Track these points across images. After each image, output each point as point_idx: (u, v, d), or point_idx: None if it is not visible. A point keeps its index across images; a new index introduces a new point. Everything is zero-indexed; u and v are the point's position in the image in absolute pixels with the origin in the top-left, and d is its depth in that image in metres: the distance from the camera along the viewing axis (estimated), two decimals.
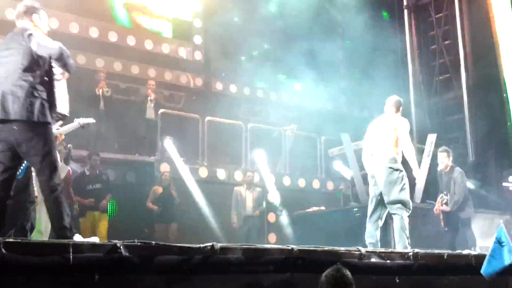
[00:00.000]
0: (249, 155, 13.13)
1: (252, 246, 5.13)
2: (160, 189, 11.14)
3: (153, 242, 4.43)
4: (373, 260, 5.65)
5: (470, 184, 11.89)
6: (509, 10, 14.71)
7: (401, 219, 7.39)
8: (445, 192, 9.64)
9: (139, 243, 4.34)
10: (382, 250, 6.06)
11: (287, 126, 14.20)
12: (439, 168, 9.99)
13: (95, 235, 9.27)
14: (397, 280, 5.72)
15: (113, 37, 13.94)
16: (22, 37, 5.02)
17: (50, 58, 5.04)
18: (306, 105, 16.56)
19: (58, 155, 5.37)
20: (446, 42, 15.36)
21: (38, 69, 4.97)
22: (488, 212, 11.59)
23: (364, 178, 11.76)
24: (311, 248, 5.43)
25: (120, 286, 4.20)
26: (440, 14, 15.46)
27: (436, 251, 6.70)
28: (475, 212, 10.16)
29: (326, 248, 5.54)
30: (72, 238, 4.79)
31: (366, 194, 11.52)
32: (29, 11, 5.21)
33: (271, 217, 12.53)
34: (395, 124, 7.69)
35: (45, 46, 4.99)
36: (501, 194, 12.58)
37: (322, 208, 12.10)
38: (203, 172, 12.34)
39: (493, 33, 14.08)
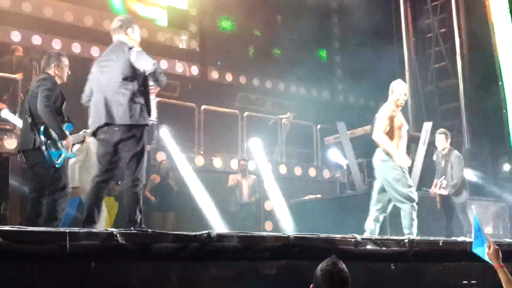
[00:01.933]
0: (245, 143, 13.14)
1: (249, 234, 5.14)
2: (158, 178, 11.12)
3: (150, 230, 4.45)
4: (368, 247, 5.68)
5: (472, 175, 11.93)
6: None
7: (405, 210, 7.37)
8: (444, 176, 9.65)
9: (135, 231, 4.35)
10: (378, 237, 6.09)
11: (283, 114, 14.20)
12: (436, 151, 9.99)
13: (110, 221, 9.12)
14: (393, 267, 5.75)
15: (108, 25, 13.84)
16: (122, 50, 5.52)
17: (144, 72, 5.46)
18: (302, 94, 16.57)
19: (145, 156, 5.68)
20: (442, 30, 15.33)
21: (136, 79, 5.44)
22: (483, 200, 11.64)
23: (360, 166, 11.82)
24: (307, 236, 5.46)
25: (117, 274, 4.21)
26: (436, 2, 15.42)
27: (431, 238, 6.73)
28: (470, 199, 10.19)
29: (322, 235, 5.56)
30: (140, 226, 5.21)
31: (362, 182, 11.61)
32: (125, 26, 5.69)
33: (268, 205, 12.55)
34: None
35: (142, 62, 5.42)
36: (496, 182, 12.62)
37: (318, 196, 12.13)
38: (199, 161, 12.34)
39: (488, 21, 14.08)
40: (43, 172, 6.09)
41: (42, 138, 5.99)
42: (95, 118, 5.53)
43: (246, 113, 13.53)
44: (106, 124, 5.43)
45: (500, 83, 13.77)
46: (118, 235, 4.16)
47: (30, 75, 11.30)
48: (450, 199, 9.61)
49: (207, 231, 4.62)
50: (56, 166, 6.02)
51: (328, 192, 12.88)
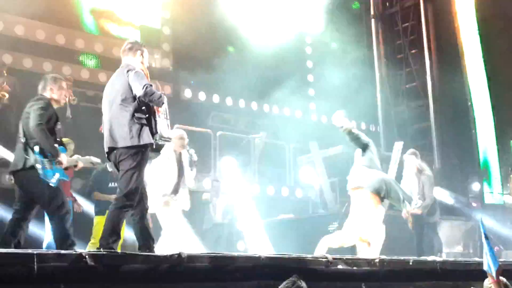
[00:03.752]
0: (218, 163, 13.11)
1: (219, 254, 5.13)
2: None
3: (119, 251, 4.40)
4: (340, 267, 5.70)
5: (442, 195, 12.03)
6: (473, 20, 15.00)
7: None
8: (418, 196, 9.70)
9: (104, 252, 4.31)
10: (349, 257, 6.11)
11: (256, 134, 14.23)
12: (407, 172, 10.05)
13: None
14: (364, 287, 5.78)
15: (80, 44, 13.82)
16: (123, 72, 5.62)
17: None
18: (275, 113, 16.63)
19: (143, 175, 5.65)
20: (413, 51, 15.57)
21: (135, 99, 5.47)
22: (453, 219, 11.76)
23: (333, 185, 11.88)
24: (278, 256, 5.46)
25: None
26: (407, 24, 15.68)
27: (402, 257, 6.77)
28: (441, 218, 10.29)
29: (293, 255, 5.57)
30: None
31: (334, 201, 11.66)
32: (134, 48, 5.82)
33: (240, 225, 12.51)
34: None
35: (134, 85, 5.45)
36: (466, 201, 12.77)
37: (291, 215, 12.14)
38: None
39: (458, 42, 14.35)
40: (37, 191, 5.94)
41: (37, 157, 5.88)
42: (104, 143, 5.65)
43: (219, 133, 13.52)
44: (110, 149, 5.55)
45: (469, 103, 14.00)
46: (87, 257, 4.12)
47: None
48: (422, 219, 9.67)
49: (177, 252, 4.60)
50: (51, 185, 5.89)
51: (301, 211, 12.88)
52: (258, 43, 15.35)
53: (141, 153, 5.49)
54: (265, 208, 12.58)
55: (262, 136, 14.16)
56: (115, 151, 5.53)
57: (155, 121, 5.63)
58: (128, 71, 5.59)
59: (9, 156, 10.15)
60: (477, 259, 8.07)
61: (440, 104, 14.34)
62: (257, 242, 11.62)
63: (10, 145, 10.39)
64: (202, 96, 15.37)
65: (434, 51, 14.66)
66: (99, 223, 8.86)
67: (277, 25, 15.20)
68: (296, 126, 15.29)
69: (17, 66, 12.50)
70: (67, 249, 5.23)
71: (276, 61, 15.69)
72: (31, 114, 6.03)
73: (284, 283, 3.46)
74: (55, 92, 6.38)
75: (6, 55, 12.46)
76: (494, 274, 3.90)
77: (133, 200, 5.47)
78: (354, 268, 5.85)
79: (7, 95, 11.34)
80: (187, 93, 15.16)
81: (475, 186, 13.98)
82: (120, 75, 5.69)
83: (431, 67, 14.55)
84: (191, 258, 4.71)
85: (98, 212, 9.11)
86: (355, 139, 7.68)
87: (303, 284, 3.45)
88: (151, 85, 5.52)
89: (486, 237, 4.17)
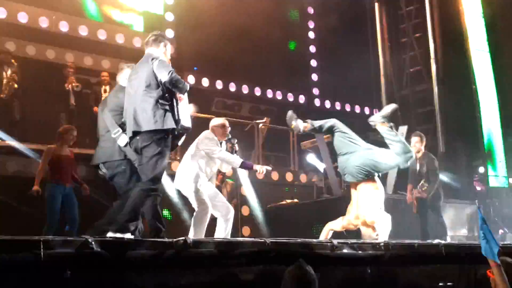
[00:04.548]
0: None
1: (225, 239, 5.15)
2: None
3: (125, 237, 4.42)
4: (345, 251, 5.71)
5: (447, 178, 12.04)
6: (478, 2, 14.91)
7: None
8: (424, 179, 9.67)
9: (110, 238, 4.32)
10: (354, 241, 6.12)
11: (259, 119, 14.21)
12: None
13: None
14: (369, 271, 5.79)
15: (83, 31, 13.80)
16: (147, 61, 5.77)
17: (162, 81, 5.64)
18: (278, 99, 16.60)
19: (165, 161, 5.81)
20: (417, 35, 15.49)
21: (159, 86, 5.63)
22: (457, 202, 11.76)
23: (337, 170, 11.87)
24: (284, 241, 5.47)
25: (93, 282, 4.19)
26: (411, 7, 15.59)
27: (407, 241, 6.79)
28: (445, 202, 10.29)
29: (299, 240, 5.58)
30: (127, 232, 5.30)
31: (339, 186, 11.65)
32: (158, 40, 6.02)
33: (245, 210, 12.54)
34: None
35: (159, 72, 5.61)
36: (471, 185, 12.77)
37: (295, 200, 12.15)
38: (175, 166, 12.28)
39: (462, 25, 14.27)
40: (122, 182, 6.14)
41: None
42: (127, 129, 5.78)
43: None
44: (134, 133, 5.66)
45: (473, 86, 13.95)
46: (93, 243, 4.14)
47: (1, 80, 11.20)
48: (426, 202, 9.67)
49: (183, 238, 4.61)
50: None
51: (305, 196, 12.89)
52: (261, 29, 15.29)
53: (164, 140, 5.64)
54: (269, 194, 12.58)
55: (266, 121, 14.14)
56: (138, 137, 5.64)
57: (178, 108, 5.79)
58: (152, 59, 5.74)
59: (14, 144, 10.23)
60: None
61: (444, 87, 14.29)
62: (261, 227, 11.66)
63: (13, 133, 10.46)
64: (205, 82, 15.36)
65: (438, 34, 14.58)
66: None
67: (280, 9, 15.14)
68: (299, 111, 15.25)
69: (20, 53, 12.49)
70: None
71: (279, 46, 15.66)
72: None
73: (291, 267, 3.48)
74: None
75: (10, 42, 12.45)
76: (494, 258, 3.87)
77: (158, 185, 5.67)
78: (359, 252, 5.85)
79: (16, 85, 11.38)
80: (191, 79, 15.14)
81: (480, 169, 13.96)
82: (144, 63, 5.85)
83: (435, 50, 14.48)
84: (197, 243, 4.72)
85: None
86: (320, 129, 7.55)
87: (310, 268, 3.47)
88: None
89: (485, 222, 4.14)
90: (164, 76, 5.56)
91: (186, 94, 5.98)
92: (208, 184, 7.43)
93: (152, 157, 5.58)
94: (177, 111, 5.78)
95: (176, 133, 5.80)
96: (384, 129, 7.30)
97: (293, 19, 17.41)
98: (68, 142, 8.78)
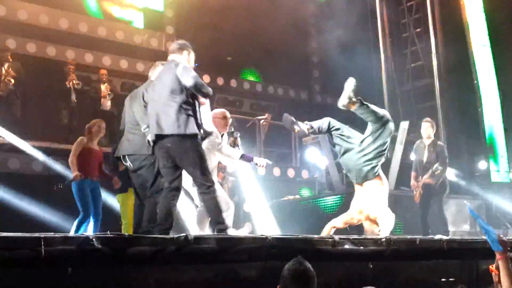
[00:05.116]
0: None
1: (226, 236, 5.14)
2: None
3: (126, 234, 4.42)
4: (346, 246, 5.70)
5: (449, 173, 12.01)
6: None
7: None
8: (438, 163, 9.50)
9: (111, 235, 4.32)
10: (355, 236, 6.11)
11: (261, 115, 14.21)
12: (417, 142, 9.98)
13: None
14: (371, 266, 5.79)
15: (83, 28, 13.79)
16: (171, 66, 5.90)
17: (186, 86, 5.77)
18: (279, 95, 16.60)
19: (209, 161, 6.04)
20: (418, 29, 15.45)
21: (183, 91, 5.74)
22: (459, 197, 11.74)
23: (338, 166, 11.86)
24: (285, 236, 5.47)
25: (94, 279, 4.19)
26: (411, 2, 15.54)
27: (408, 236, 6.78)
28: (447, 197, 10.27)
29: (300, 236, 5.58)
30: (227, 232, 5.68)
31: (340, 182, 11.65)
32: (182, 48, 6.11)
33: (246, 207, 12.54)
34: None
35: (184, 76, 5.72)
36: (473, 180, 12.74)
37: (297, 196, 12.16)
38: None
39: (463, 20, 14.23)
40: (148, 176, 6.30)
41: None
42: (150, 132, 5.91)
43: None
44: (157, 136, 5.78)
45: (475, 81, 13.92)
46: (94, 240, 4.13)
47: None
48: (430, 192, 9.54)
49: (184, 234, 4.61)
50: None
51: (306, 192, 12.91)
52: (262, 25, 15.28)
53: (193, 142, 5.77)
54: (271, 190, 12.59)
55: (267, 117, 14.14)
56: (163, 141, 5.77)
57: (200, 113, 5.92)
58: (176, 65, 5.86)
59: (15, 141, 10.24)
60: (484, 237, 8.07)
61: (446, 82, 14.25)
62: (263, 223, 11.65)
63: (15, 130, 10.48)
64: (206, 78, 15.35)
65: (439, 29, 14.54)
66: (124, 203, 8.82)
67: (281, 5, 15.10)
68: (300, 107, 15.24)
69: (21, 50, 12.50)
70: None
71: (280, 42, 15.64)
72: None
73: (291, 263, 3.47)
74: None
75: (10, 40, 12.46)
76: (499, 249, 3.80)
77: (211, 179, 5.86)
78: (361, 247, 5.84)
79: (13, 81, 11.37)
80: None
81: (482, 165, 13.94)
82: (168, 69, 5.96)
83: (436, 45, 14.45)
84: (198, 240, 4.72)
85: (119, 190, 8.96)
86: (320, 130, 7.31)
87: (309, 264, 3.47)
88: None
89: (478, 217, 4.10)
90: (188, 81, 5.69)
91: (208, 99, 6.15)
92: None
93: (191, 160, 5.77)
94: (200, 116, 5.90)
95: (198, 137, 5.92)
96: (355, 108, 7.12)
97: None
98: (97, 135, 8.72)
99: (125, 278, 4.32)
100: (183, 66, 5.82)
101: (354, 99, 6.97)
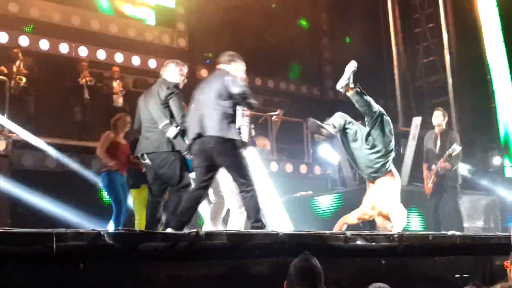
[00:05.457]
0: None
1: (238, 231, 5.14)
2: None
3: (138, 229, 4.42)
4: (358, 242, 5.68)
5: (462, 169, 11.93)
6: None
7: None
8: (455, 144, 9.22)
9: (123, 231, 4.33)
10: (367, 232, 6.08)
11: (273, 111, 14.17)
12: (429, 133, 9.83)
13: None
14: (383, 262, 5.76)
15: (95, 25, 13.84)
16: (220, 75, 6.16)
17: (234, 95, 5.99)
18: (291, 91, 16.57)
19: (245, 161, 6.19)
20: (430, 25, 15.37)
21: (229, 99, 5.97)
22: (473, 193, 11.67)
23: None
24: (296, 232, 5.45)
25: (105, 274, 4.19)
26: None
27: (421, 232, 6.74)
28: (461, 193, 10.19)
29: (312, 232, 5.56)
30: (263, 229, 5.78)
31: (353, 178, 11.62)
32: (231, 60, 6.36)
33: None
34: None
35: (232, 85, 5.96)
36: (487, 175, 12.65)
37: (310, 192, 12.12)
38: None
39: (476, 15, 14.13)
40: (171, 173, 6.39)
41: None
42: (190, 132, 6.10)
43: None
44: (199, 135, 5.96)
45: (488, 77, 13.83)
46: (105, 235, 4.14)
47: (12, 76, 11.23)
48: (443, 184, 9.43)
49: (195, 230, 4.61)
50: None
51: (319, 188, 12.86)
52: (274, 21, 15.26)
53: (233, 145, 5.95)
54: (284, 186, 12.56)
55: (279, 113, 14.11)
56: (204, 140, 5.93)
57: (242, 123, 6.13)
58: (226, 73, 6.16)
59: (29, 138, 10.29)
60: (498, 233, 8.01)
61: (459, 78, 14.16)
62: (275, 219, 11.63)
63: (28, 127, 10.53)
64: None
65: (451, 24, 14.45)
66: (136, 198, 8.60)
67: (293, 2, 15.09)
68: (313, 103, 15.20)
69: (34, 48, 12.55)
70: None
71: (293, 38, 15.61)
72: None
73: (297, 260, 3.46)
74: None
75: (23, 36, 12.51)
76: None
77: (251, 180, 6.02)
78: (373, 243, 5.81)
79: (24, 79, 11.42)
80: (203, 73, 15.11)
81: (496, 160, 13.83)
82: (219, 75, 6.21)
83: (449, 41, 14.36)
84: (209, 235, 4.72)
85: (132, 186, 8.73)
86: (340, 127, 7.13)
87: (316, 261, 3.45)
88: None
89: None
90: (236, 89, 5.93)
91: (251, 110, 6.36)
92: (224, 174, 7.45)
93: (233, 162, 5.99)
94: (241, 125, 6.10)
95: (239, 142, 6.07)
96: (352, 93, 6.98)
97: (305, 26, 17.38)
98: (123, 129, 8.67)
99: (137, 274, 4.32)
100: (233, 75, 6.11)
101: (352, 84, 6.93)
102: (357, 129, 7.14)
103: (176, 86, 6.55)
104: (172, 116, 6.38)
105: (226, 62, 6.36)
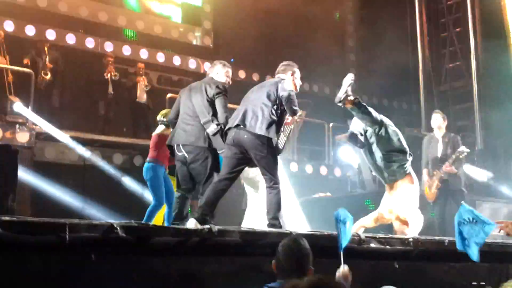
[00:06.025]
0: None
1: (250, 229, 5.15)
2: None
3: (150, 223, 4.46)
4: (372, 245, 5.66)
5: (482, 176, 11.80)
6: None
7: None
8: (464, 146, 9.16)
9: (136, 224, 4.37)
10: (382, 235, 6.06)
11: None
12: (428, 136, 9.75)
13: None
14: (397, 266, 5.73)
15: (122, 21, 13.96)
16: (276, 80, 6.36)
17: (281, 98, 6.12)
18: (314, 92, 16.53)
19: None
20: (457, 29, 15.24)
21: (276, 102, 6.13)
22: (494, 201, 11.53)
23: None
24: (310, 233, 5.45)
25: (117, 267, 4.23)
26: (451, 1, 15.33)
27: (437, 237, 6.69)
28: (482, 200, 10.08)
29: (325, 232, 5.56)
30: (280, 228, 5.82)
31: (372, 181, 11.56)
32: (288, 69, 6.57)
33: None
34: None
35: (282, 88, 6.13)
36: (509, 183, 12.48)
37: (329, 194, 12.09)
38: None
39: (504, 21, 13.96)
40: (202, 169, 6.45)
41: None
42: (230, 122, 6.20)
43: None
44: (237, 126, 6.06)
45: None
46: (118, 228, 4.18)
47: (38, 69, 11.38)
48: (447, 188, 9.26)
49: (208, 226, 4.63)
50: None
51: (339, 190, 12.82)
52: (299, 22, 15.25)
53: (268, 142, 6.02)
54: (303, 187, 12.54)
55: (301, 114, 14.06)
56: (241, 132, 6.02)
57: (281, 128, 6.25)
58: (281, 80, 6.30)
59: (53, 131, 10.42)
60: None
61: (484, 84, 14.02)
62: (294, 220, 11.62)
63: (52, 120, 10.67)
64: (242, 74, 15.37)
65: (479, 29, 14.31)
66: None
67: (319, 2, 15.05)
68: (335, 104, 15.11)
69: (60, 42, 12.71)
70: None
71: (318, 39, 15.57)
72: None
73: (285, 240, 3.50)
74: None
75: (50, 31, 12.66)
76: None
77: (278, 177, 6.11)
78: (387, 247, 5.79)
79: (49, 75, 11.56)
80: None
81: None
82: (273, 81, 6.42)
83: (475, 46, 14.22)
84: (222, 232, 4.74)
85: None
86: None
87: (305, 241, 3.48)
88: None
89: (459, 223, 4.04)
90: (283, 92, 6.07)
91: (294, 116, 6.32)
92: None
93: (262, 158, 6.04)
94: (280, 129, 6.21)
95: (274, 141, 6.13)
96: (351, 106, 6.91)
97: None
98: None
99: (148, 268, 4.35)
100: (285, 82, 6.24)
101: (351, 97, 6.87)
102: (372, 133, 7.12)
103: (225, 87, 6.66)
104: (214, 114, 6.45)
105: (282, 71, 6.56)
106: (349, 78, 7.01)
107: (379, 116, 7.04)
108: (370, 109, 6.99)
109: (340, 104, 7.03)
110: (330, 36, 16.17)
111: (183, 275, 4.48)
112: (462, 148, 9.13)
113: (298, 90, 6.61)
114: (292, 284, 2.14)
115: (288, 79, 6.40)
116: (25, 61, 11.25)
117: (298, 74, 6.62)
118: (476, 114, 13.77)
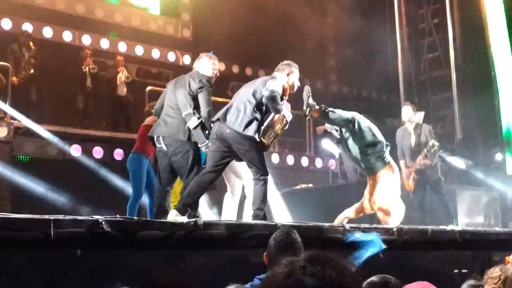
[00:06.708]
0: None
1: (236, 222, 5.14)
2: None
3: (135, 218, 4.43)
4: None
5: (461, 164, 11.92)
6: None
7: None
8: (434, 140, 9.29)
9: (121, 219, 4.33)
10: (366, 225, 6.08)
11: None
12: (400, 129, 9.83)
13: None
14: (381, 255, 5.75)
15: (99, 13, 13.81)
16: (265, 78, 6.53)
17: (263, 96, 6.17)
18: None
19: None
20: (435, 20, 15.32)
21: (261, 100, 6.18)
22: (474, 189, 11.65)
23: None
24: (295, 224, 5.45)
25: (103, 261, 4.20)
26: None
27: (420, 226, 6.74)
28: (461, 188, 10.17)
29: (310, 223, 5.56)
30: (265, 219, 5.88)
31: (354, 172, 11.61)
32: (285, 68, 6.62)
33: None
34: None
35: (264, 89, 6.14)
36: (488, 171, 12.62)
37: (310, 185, 12.12)
38: None
39: (482, 11, 14.06)
40: (183, 162, 6.41)
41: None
42: (216, 115, 6.27)
43: None
44: (218, 120, 6.14)
45: (492, 73, 13.77)
46: (103, 223, 4.14)
47: (19, 63, 11.23)
48: (425, 179, 9.39)
49: (193, 219, 4.61)
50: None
51: (320, 181, 12.86)
52: (278, 13, 15.21)
53: (250, 143, 6.07)
54: (285, 178, 12.55)
55: (287, 118, 14.05)
56: (223, 127, 6.07)
57: (265, 124, 6.25)
58: (272, 77, 6.43)
59: (31, 124, 10.31)
60: (497, 229, 8.02)
61: (463, 74, 14.12)
62: (275, 211, 11.63)
63: (30, 115, 10.54)
64: (221, 66, 15.29)
65: (457, 20, 14.39)
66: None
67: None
68: (316, 96, 15.12)
69: (37, 35, 12.53)
70: None
71: (296, 31, 15.56)
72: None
73: (278, 232, 3.50)
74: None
75: (27, 23, 12.49)
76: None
77: (266, 170, 6.14)
78: None
79: (32, 70, 11.43)
80: None
81: (498, 157, 13.81)
82: (265, 78, 6.60)
83: (454, 36, 14.30)
84: (207, 225, 4.72)
85: None
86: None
87: (297, 235, 3.48)
88: (279, 94, 6.17)
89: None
90: (266, 91, 6.07)
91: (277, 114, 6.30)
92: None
93: (248, 155, 6.10)
94: (262, 126, 6.20)
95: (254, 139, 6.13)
96: (319, 116, 7.13)
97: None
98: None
99: (134, 262, 4.33)
100: (273, 78, 6.33)
101: (316, 107, 6.98)
102: (345, 129, 7.21)
103: (209, 81, 6.61)
104: (196, 108, 6.44)
105: (280, 71, 6.60)
106: (306, 91, 7.08)
107: (349, 114, 7.14)
108: (338, 111, 7.11)
109: (308, 117, 7.34)
110: (311, 28, 16.15)
111: (169, 269, 4.47)
112: (432, 141, 9.27)
113: (294, 90, 6.69)
114: (289, 261, 2.14)
115: (279, 79, 6.40)
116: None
117: (295, 74, 6.63)
118: (455, 104, 13.87)
